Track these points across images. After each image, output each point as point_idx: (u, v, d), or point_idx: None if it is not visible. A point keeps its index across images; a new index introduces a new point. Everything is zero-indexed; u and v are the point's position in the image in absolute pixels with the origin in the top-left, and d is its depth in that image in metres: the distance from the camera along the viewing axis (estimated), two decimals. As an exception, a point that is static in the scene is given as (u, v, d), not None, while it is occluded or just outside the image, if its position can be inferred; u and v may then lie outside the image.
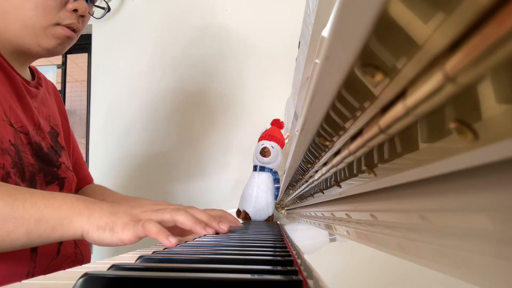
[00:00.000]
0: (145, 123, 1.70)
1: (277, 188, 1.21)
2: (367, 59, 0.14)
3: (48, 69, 2.00)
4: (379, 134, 0.16)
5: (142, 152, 1.69)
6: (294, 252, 0.41)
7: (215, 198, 1.58)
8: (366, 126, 0.18)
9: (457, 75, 0.10)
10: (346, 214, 0.34)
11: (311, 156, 0.36)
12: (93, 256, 0.81)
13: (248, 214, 1.19)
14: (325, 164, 0.32)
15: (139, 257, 0.34)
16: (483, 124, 0.10)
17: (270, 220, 1.21)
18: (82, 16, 0.69)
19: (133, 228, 0.47)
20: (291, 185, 0.74)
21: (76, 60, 2.36)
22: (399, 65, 0.13)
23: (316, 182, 0.41)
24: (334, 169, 0.29)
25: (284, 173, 0.87)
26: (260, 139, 1.22)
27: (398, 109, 0.14)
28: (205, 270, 0.28)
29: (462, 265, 0.13)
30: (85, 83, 1.91)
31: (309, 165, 0.41)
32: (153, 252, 0.38)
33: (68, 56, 1.99)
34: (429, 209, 0.17)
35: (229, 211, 0.72)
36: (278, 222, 1.19)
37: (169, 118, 1.69)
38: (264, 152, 1.17)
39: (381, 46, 0.13)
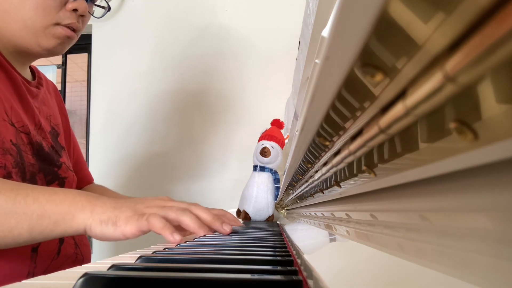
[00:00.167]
0: (145, 123, 1.70)
1: (277, 188, 1.21)
2: (367, 59, 0.14)
3: (48, 69, 2.00)
4: (379, 134, 0.16)
5: (142, 152, 1.69)
6: (294, 252, 0.41)
7: (215, 198, 1.58)
8: (366, 126, 0.18)
9: (457, 75, 0.10)
10: (346, 214, 0.34)
11: (311, 156, 0.36)
12: (93, 256, 0.81)
13: (248, 214, 1.19)
14: (325, 164, 0.32)
15: (139, 257, 0.34)
16: (483, 124, 0.10)
17: (270, 220, 1.21)
18: (82, 15, 0.69)
19: (136, 222, 0.47)
20: (291, 185, 0.74)
21: (76, 60, 2.36)
22: (399, 65, 0.13)
23: (316, 182, 0.41)
24: (334, 169, 0.29)
25: (284, 173, 0.87)
26: (260, 139, 1.22)
27: (398, 109, 0.14)
28: (205, 270, 0.28)
29: (462, 265, 0.13)
30: (85, 83, 1.91)
31: (309, 165, 0.41)
32: (153, 252, 0.38)
33: (68, 56, 1.99)
34: (429, 209, 0.17)
35: (229, 211, 0.72)
36: (278, 222, 1.19)
37: (169, 118, 1.69)
38: (264, 152, 1.17)
39: (381, 46, 0.13)
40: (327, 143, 0.27)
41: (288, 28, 1.40)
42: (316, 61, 0.23)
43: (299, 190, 0.63)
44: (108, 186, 0.90)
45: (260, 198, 1.18)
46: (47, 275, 0.32)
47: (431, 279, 0.14)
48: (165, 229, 0.46)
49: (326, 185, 0.38)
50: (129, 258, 0.43)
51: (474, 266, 0.12)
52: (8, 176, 0.58)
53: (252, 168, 1.23)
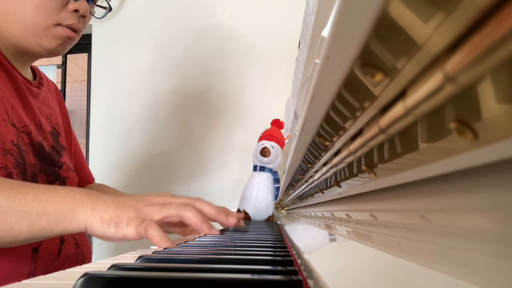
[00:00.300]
0: (145, 123, 1.70)
1: (277, 188, 1.21)
2: (367, 59, 0.14)
3: (48, 69, 2.00)
4: (379, 134, 0.16)
5: (142, 153, 1.69)
6: (294, 252, 0.41)
7: (215, 198, 1.58)
8: (366, 126, 0.18)
9: (457, 75, 0.10)
10: (346, 214, 0.34)
11: (311, 156, 0.36)
12: (93, 256, 0.81)
13: (248, 214, 1.19)
14: (325, 164, 0.32)
15: (139, 257, 0.34)
16: (483, 124, 0.10)
17: (270, 220, 1.21)
18: (83, 16, 0.69)
19: (136, 227, 0.47)
20: (291, 185, 0.74)
21: (76, 60, 2.36)
22: (399, 65, 0.13)
23: (316, 182, 0.41)
24: (334, 169, 0.29)
25: (284, 173, 0.87)
26: (260, 139, 1.22)
27: (398, 109, 0.14)
28: (205, 270, 0.28)
29: (462, 265, 0.13)
30: (85, 83, 1.91)
31: (309, 165, 0.41)
32: (153, 252, 0.38)
33: (68, 56, 1.99)
34: (429, 209, 0.17)
35: (229, 211, 0.72)
36: (278, 222, 1.19)
37: (169, 118, 1.69)
38: (264, 152, 1.17)
39: (381, 46, 0.13)
40: (327, 143, 0.27)
41: (288, 28, 1.40)
42: (316, 61, 0.23)
43: (299, 190, 0.63)
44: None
45: (260, 198, 1.18)
46: (47, 275, 0.32)
47: (431, 279, 0.14)
48: (161, 242, 0.46)
49: (326, 185, 0.38)
50: (129, 258, 0.43)
51: (474, 266, 0.12)
52: (9, 176, 0.58)
53: (252, 168, 1.23)
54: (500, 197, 0.11)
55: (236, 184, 1.52)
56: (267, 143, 1.18)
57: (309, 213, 0.64)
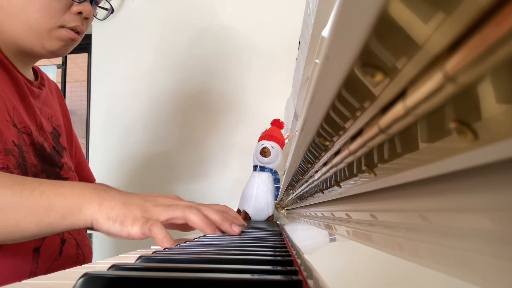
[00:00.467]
0: (145, 123, 1.70)
1: (277, 188, 1.21)
2: (367, 59, 0.14)
3: (48, 69, 2.00)
4: (379, 134, 0.16)
5: (143, 153, 1.69)
6: (294, 252, 0.41)
7: (215, 198, 1.58)
8: (366, 126, 0.18)
9: (457, 75, 0.10)
10: (346, 214, 0.34)
11: (311, 156, 0.36)
12: (93, 257, 0.81)
13: (248, 214, 1.19)
14: (325, 164, 0.32)
15: (139, 257, 0.34)
16: (483, 124, 0.10)
17: (270, 220, 1.21)
18: (86, 18, 0.69)
19: (141, 226, 0.47)
20: (291, 185, 0.74)
21: (76, 60, 2.36)
22: (399, 65, 0.13)
23: (316, 182, 0.41)
24: (334, 169, 0.29)
25: (284, 173, 0.87)
26: (260, 139, 1.22)
27: (398, 109, 0.14)
28: (205, 270, 0.28)
29: (462, 265, 0.13)
30: (85, 83, 1.92)
31: (309, 165, 0.41)
32: (153, 252, 0.38)
33: (68, 56, 1.99)
34: (429, 209, 0.17)
35: (229, 211, 0.72)
36: (278, 222, 1.19)
37: (169, 118, 1.69)
38: (264, 152, 1.17)
39: (381, 46, 0.13)
40: (327, 143, 0.27)
41: (288, 28, 1.40)
42: (316, 61, 0.23)
43: (299, 190, 0.63)
44: (108, 186, 0.90)
45: (260, 198, 1.18)
46: (47, 275, 0.32)
47: (431, 279, 0.14)
48: (164, 241, 0.46)
49: (326, 185, 0.38)
50: (129, 258, 0.43)
51: (474, 266, 0.12)
52: None
53: (252, 168, 1.23)
54: (500, 197, 0.11)
55: (236, 184, 1.52)
56: (267, 143, 1.18)
57: (309, 213, 0.64)
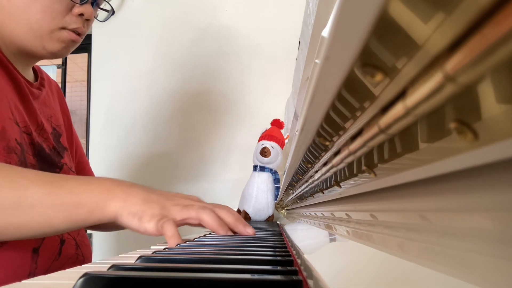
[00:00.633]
0: (145, 123, 1.70)
1: (277, 188, 1.21)
2: (367, 59, 0.14)
3: (48, 69, 2.00)
4: (379, 134, 0.16)
5: (143, 153, 1.69)
6: (294, 252, 0.41)
7: (216, 198, 1.58)
8: (366, 126, 0.18)
9: (457, 75, 0.10)
10: (346, 214, 0.34)
11: (311, 156, 0.36)
12: (93, 257, 0.81)
13: (248, 214, 1.19)
14: (325, 164, 0.32)
15: (139, 257, 0.34)
16: (483, 124, 0.10)
17: (270, 220, 1.21)
18: (87, 19, 0.69)
19: (156, 223, 0.49)
20: (291, 185, 0.74)
21: (76, 60, 2.36)
22: (399, 65, 0.13)
23: (316, 182, 0.41)
24: (334, 169, 0.29)
25: (284, 173, 0.87)
26: (260, 139, 1.22)
27: (398, 109, 0.14)
28: (205, 270, 0.28)
29: (462, 265, 0.13)
30: (85, 83, 1.91)
31: (309, 165, 0.41)
32: (153, 252, 0.38)
33: (68, 56, 1.98)
34: (429, 209, 0.17)
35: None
36: (278, 222, 1.19)
37: (170, 118, 1.69)
38: (264, 152, 1.17)
39: (381, 46, 0.13)
40: (327, 143, 0.27)
41: (288, 28, 1.40)
42: (316, 61, 0.23)
43: (299, 190, 0.63)
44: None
45: (260, 198, 1.18)
46: (47, 275, 0.32)
47: (431, 279, 0.14)
48: (171, 238, 0.48)
49: (326, 185, 0.38)
50: (129, 258, 0.43)
51: (474, 266, 0.12)
52: None
53: (252, 168, 1.23)
54: (500, 197, 0.11)
55: (236, 184, 1.52)
56: (267, 143, 1.18)
57: (309, 213, 0.64)
